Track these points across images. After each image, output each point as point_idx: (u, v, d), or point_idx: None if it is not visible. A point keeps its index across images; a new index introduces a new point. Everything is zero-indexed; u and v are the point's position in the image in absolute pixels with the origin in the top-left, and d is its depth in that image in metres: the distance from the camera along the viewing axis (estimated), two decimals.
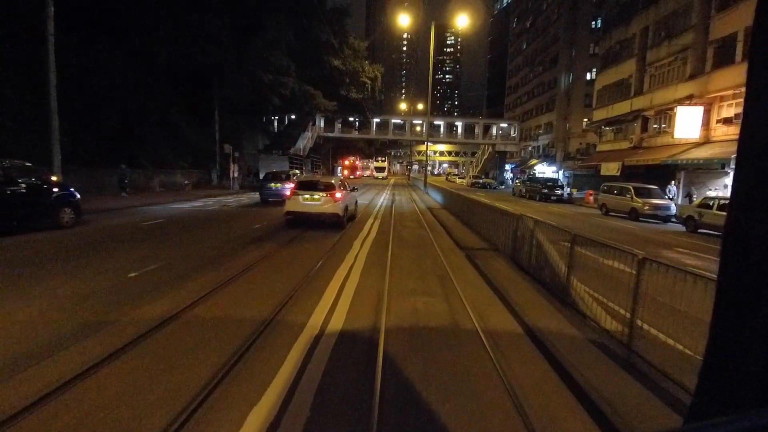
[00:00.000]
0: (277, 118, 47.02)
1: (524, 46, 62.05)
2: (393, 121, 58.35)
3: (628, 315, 3.80)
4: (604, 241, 4.74)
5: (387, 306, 5.02)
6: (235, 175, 27.48)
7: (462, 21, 27.79)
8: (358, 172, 59.44)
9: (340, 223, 11.23)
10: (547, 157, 50.58)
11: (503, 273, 6.82)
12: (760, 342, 1.14)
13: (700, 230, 14.70)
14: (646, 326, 3.74)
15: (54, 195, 9.82)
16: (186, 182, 24.47)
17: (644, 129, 27.26)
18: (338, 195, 10.98)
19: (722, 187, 21.62)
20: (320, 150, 55.95)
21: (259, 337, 3.97)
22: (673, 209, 18.12)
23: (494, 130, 58.51)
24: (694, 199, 19.48)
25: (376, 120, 55.58)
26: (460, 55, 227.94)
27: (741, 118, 1.55)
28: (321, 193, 10.85)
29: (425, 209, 18.13)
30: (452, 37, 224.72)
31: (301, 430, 2.61)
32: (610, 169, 28.69)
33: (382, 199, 23.90)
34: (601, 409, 2.91)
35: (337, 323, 4.43)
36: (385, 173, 67.66)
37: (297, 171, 25.68)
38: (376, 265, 7.23)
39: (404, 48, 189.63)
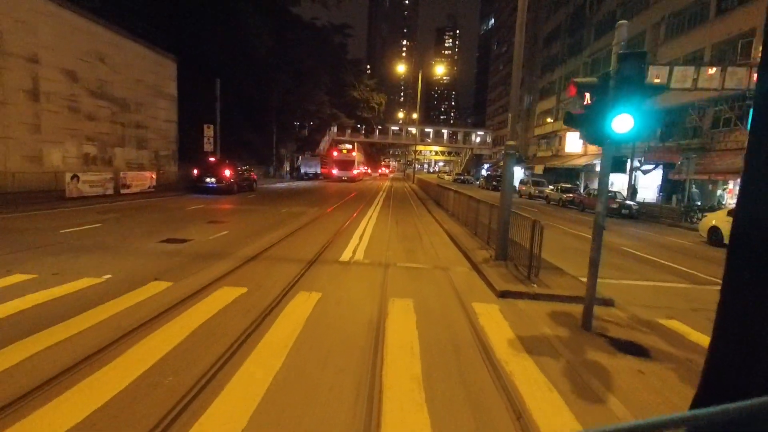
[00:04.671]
0: (298, 124, 60.75)
1: (501, 68, 75.75)
2: (392, 128, 72.15)
3: (460, 210, 17.52)
4: (452, 188, 18.49)
5: (392, 204, 18.77)
6: (287, 169, 41.26)
7: (439, 69, 41.14)
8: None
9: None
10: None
11: (430, 204, 20.57)
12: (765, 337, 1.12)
13: (551, 202, 28.50)
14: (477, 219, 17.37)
15: (253, 177, 23.67)
16: (259, 174, 38.18)
17: (559, 143, 41.10)
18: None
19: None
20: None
21: (364, 209, 17.72)
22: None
23: (473, 137, 72.46)
24: (591, 191, 33.18)
25: (378, 127, 69.29)
26: (457, 57, 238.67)
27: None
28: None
29: (410, 190, 31.95)
30: (450, 41, 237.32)
31: (380, 209, 16.38)
32: (539, 169, 42.53)
33: (388, 183, 37.75)
34: (450, 232, 16.69)
35: (383, 197, 18.19)
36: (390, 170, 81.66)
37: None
38: (387, 199, 20.98)
39: (403, 53, 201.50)
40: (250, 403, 2.90)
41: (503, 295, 5.75)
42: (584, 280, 5.59)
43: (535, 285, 6.08)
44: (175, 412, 2.76)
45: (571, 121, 4.82)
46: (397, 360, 3.71)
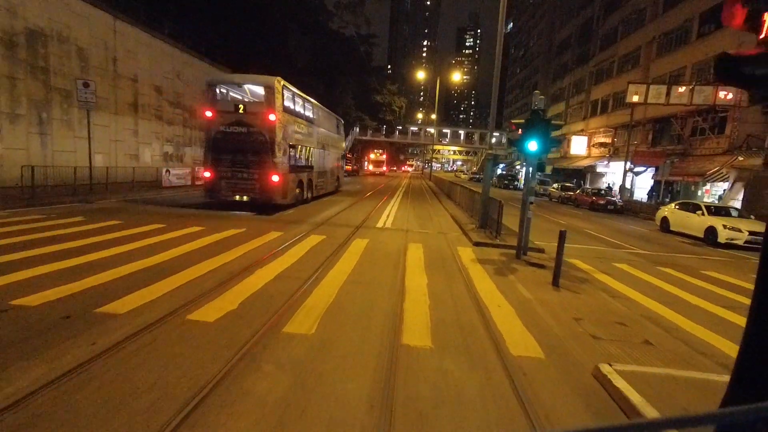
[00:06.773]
0: None
1: (518, 71, 78.43)
2: (411, 128, 75.82)
3: (464, 200, 21.22)
4: (461, 184, 22.19)
5: (410, 196, 22.57)
6: None
7: (456, 77, 44.71)
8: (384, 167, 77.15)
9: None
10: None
11: (442, 197, 24.27)
12: None
13: (552, 199, 31.79)
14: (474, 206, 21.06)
15: None
16: None
17: (567, 145, 44.07)
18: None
19: (602, 183, 38.45)
20: (355, 149, 73.77)
21: (396, 191, 21.60)
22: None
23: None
24: (585, 189, 36.30)
25: (398, 127, 73.05)
26: (478, 56, 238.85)
27: None
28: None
29: (426, 186, 35.67)
30: (471, 40, 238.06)
31: (401, 200, 20.26)
32: (548, 169, 45.56)
33: (406, 180, 41.55)
34: (453, 215, 20.46)
35: (402, 192, 22.02)
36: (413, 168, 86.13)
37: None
38: (405, 193, 24.79)
39: (424, 53, 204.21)
40: (345, 273, 6.82)
41: (476, 244, 9.56)
42: (536, 242, 9.45)
43: (498, 240, 9.86)
44: (318, 271, 6.70)
45: (512, 143, 8.59)
46: (413, 262, 7.60)
